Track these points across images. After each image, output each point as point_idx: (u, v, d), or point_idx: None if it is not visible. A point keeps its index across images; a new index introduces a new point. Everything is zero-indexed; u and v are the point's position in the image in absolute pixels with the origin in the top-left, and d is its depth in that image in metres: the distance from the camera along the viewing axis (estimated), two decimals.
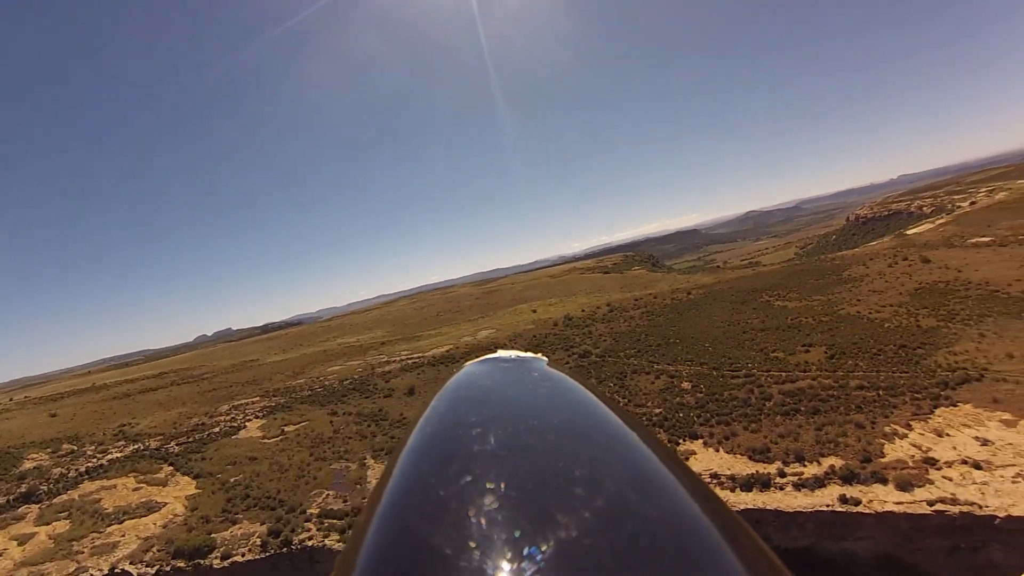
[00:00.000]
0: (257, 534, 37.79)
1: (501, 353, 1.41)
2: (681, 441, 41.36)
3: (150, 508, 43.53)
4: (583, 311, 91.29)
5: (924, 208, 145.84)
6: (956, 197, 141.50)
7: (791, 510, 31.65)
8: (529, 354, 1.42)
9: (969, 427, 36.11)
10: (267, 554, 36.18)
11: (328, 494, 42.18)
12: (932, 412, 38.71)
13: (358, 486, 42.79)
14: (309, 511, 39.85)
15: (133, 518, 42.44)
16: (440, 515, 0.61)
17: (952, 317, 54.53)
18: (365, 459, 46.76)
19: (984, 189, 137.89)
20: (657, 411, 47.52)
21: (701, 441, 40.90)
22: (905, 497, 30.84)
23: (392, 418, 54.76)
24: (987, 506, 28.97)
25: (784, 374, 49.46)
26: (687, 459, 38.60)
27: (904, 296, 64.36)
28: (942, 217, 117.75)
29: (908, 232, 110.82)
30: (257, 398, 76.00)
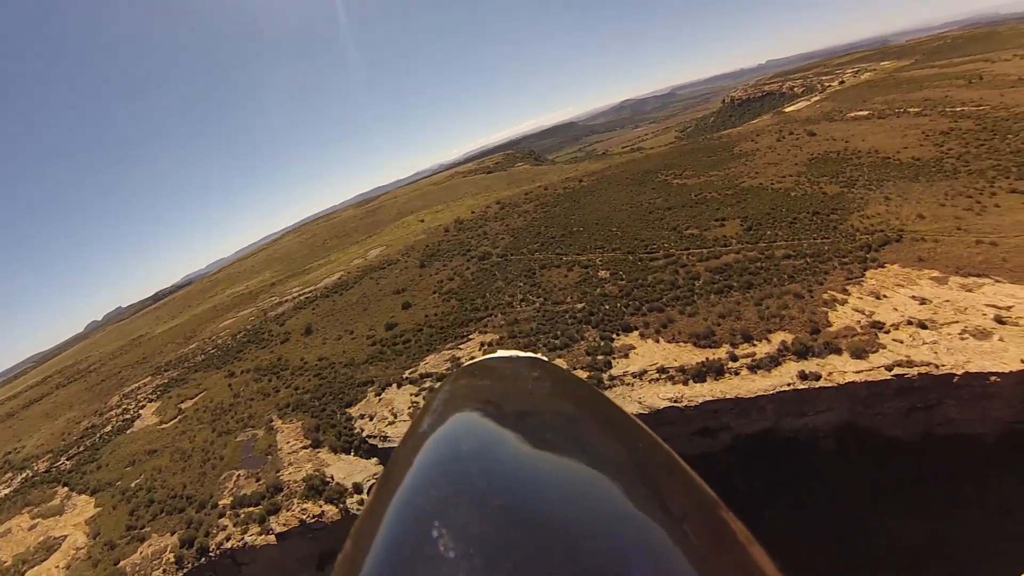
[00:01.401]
0: (169, 548, 31.90)
1: (501, 353, 1.45)
2: (616, 336, 38.32)
3: (50, 548, 36.78)
4: (473, 213, 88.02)
5: (795, 89, 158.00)
6: (824, 78, 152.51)
7: (752, 395, 29.99)
8: (528, 354, 1.45)
9: (903, 287, 36.72)
10: (185, 571, 30.30)
11: (238, 475, 36.52)
12: (863, 275, 39.09)
13: (269, 456, 37.20)
14: (221, 503, 34.24)
15: (33, 566, 35.35)
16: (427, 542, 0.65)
17: (853, 183, 57.08)
18: (272, 421, 41.81)
19: (850, 71, 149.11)
20: (579, 306, 44.11)
21: (637, 333, 38.10)
22: (862, 365, 30.33)
23: (293, 365, 50.41)
24: (943, 365, 29.18)
25: (705, 250, 48.53)
26: (627, 355, 35.68)
27: (800, 167, 66.81)
28: (815, 95, 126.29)
29: (786, 110, 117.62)
30: (148, 378, 71.01)
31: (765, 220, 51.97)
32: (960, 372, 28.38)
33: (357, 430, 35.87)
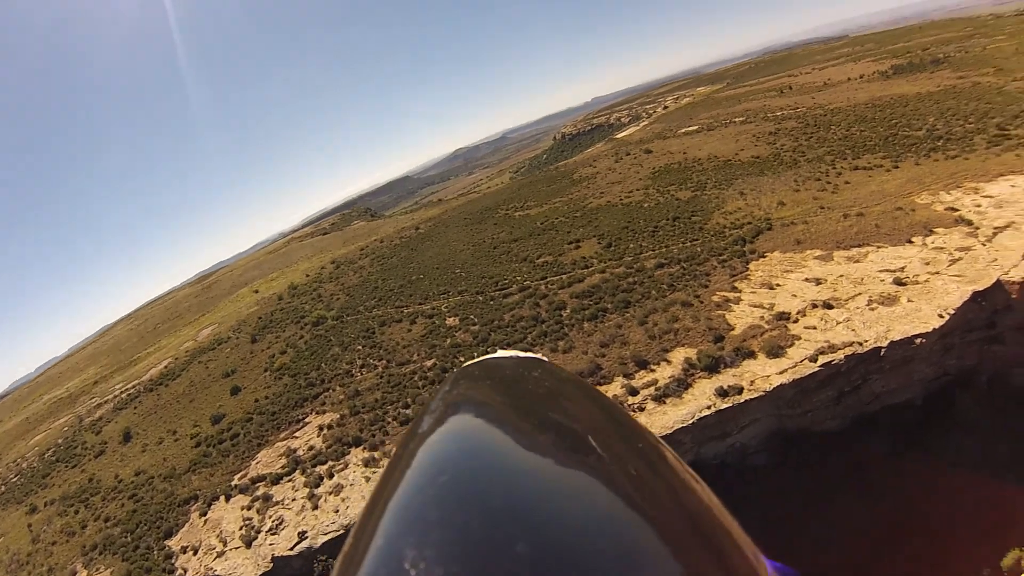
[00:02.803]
0: None
1: (501, 353, 1.52)
2: None
3: None
4: (307, 276, 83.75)
5: (623, 119, 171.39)
6: (649, 106, 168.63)
7: (669, 430, 24.70)
8: (529, 354, 1.52)
9: (792, 272, 34.83)
10: None
11: None
12: (747, 269, 37.09)
13: None
14: None
15: None
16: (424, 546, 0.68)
17: (703, 186, 58.65)
18: (75, 571, 34.17)
19: (670, 98, 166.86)
20: (429, 363, 37.86)
21: None
22: (784, 363, 26.68)
23: (106, 487, 43.28)
24: (866, 340, 26.88)
25: (565, 276, 45.09)
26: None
27: (645, 180, 68.70)
28: (643, 121, 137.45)
29: (618, 136, 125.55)
30: None
31: (624, 234, 50.51)
32: (885, 343, 26.26)
33: (179, 572, 29.52)
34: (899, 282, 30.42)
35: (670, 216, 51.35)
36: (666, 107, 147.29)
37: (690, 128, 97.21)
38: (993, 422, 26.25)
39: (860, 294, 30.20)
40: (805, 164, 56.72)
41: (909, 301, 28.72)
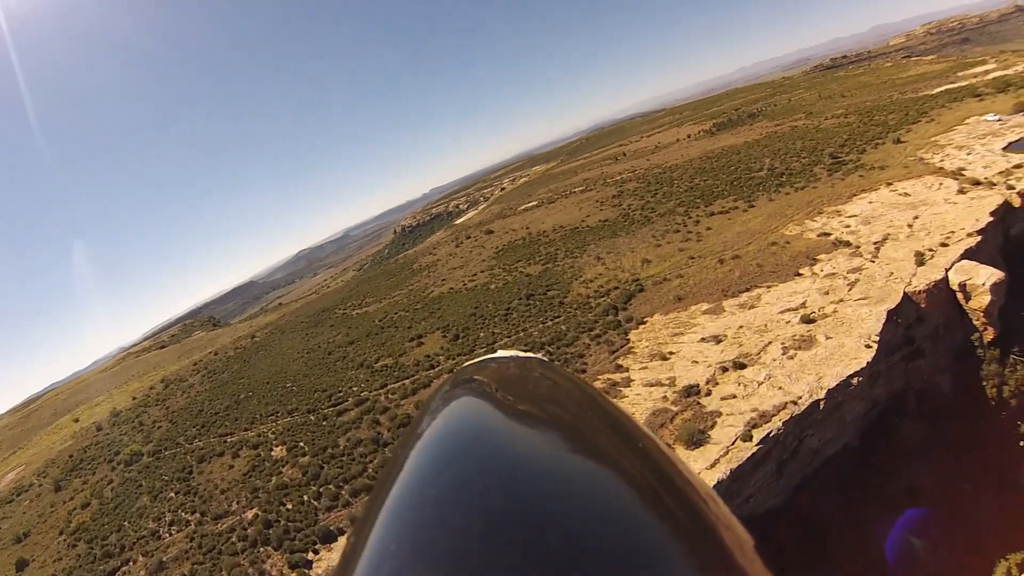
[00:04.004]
0: None
1: (501, 353, 1.57)
2: (314, 553, 26.36)
3: None
4: (134, 399, 77.78)
5: (461, 205, 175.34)
6: (486, 190, 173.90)
7: None
8: (529, 354, 1.57)
9: (683, 333, 30.54)
10: None
11: None
12: (628, 340, 32.55)
13: None
14: None
15: None
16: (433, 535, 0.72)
17: (554, 258, 56.68)
18: None
19: (507, 180, 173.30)
20: (250, 515, 31.10)
21: (344, 539, 23.47)
22: (711, 452, 21.36)
23: None
24: (799, 396, 23.74)
25: (408, 381, 40.36)
26: None
27: (490, 261, 66.59)
28: (482, 205, 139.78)
29: (457, 222, 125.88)
30: None
31: (472, 322, 46.64)
32: (823, 394, 23.55)
33: None
34: (807, 320, 27.83)
35: (523, 294, 47.85)
36: (503, 188, 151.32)
37: (530, 204, 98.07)
38: (930, 437, 25.98)
39: (771, 343, 26.61)
40: (658, 219, 56.63)
41: (827, 338, 26.20)
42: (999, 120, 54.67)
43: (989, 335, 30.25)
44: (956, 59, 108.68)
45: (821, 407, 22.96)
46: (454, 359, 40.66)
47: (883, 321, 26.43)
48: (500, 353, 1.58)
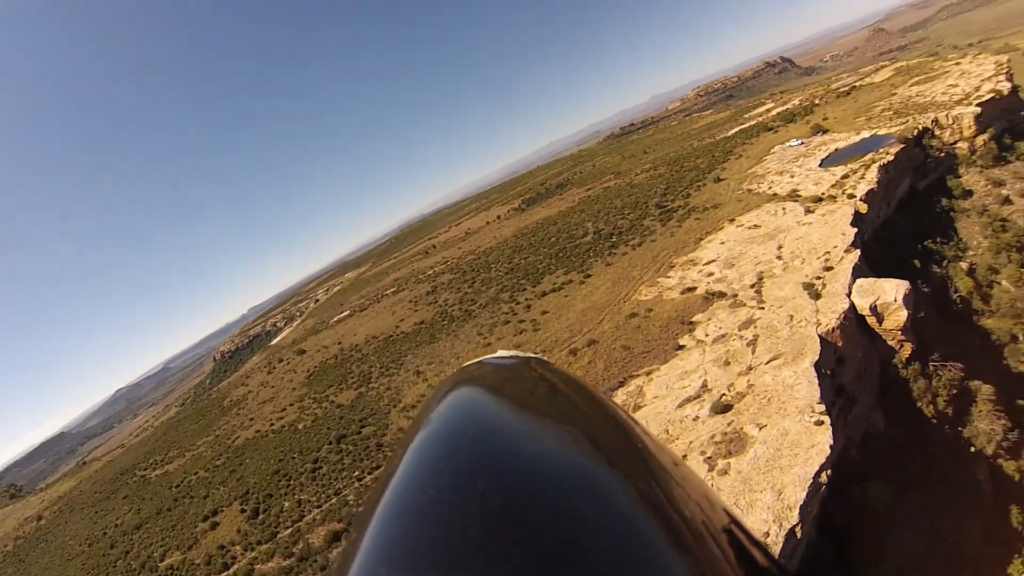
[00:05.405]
0: None
1: (501, 353, 1.55)
2: None
3: None
4: None
5: (278, 323, 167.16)
6: (301, 304, 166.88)
7: None
8: (529, 354, 1.55)
9: None
10: None
11: None
12: None
13: None
14: None
15: None
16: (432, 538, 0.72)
17: (368, 378, 49.94)
18: None
19: (321, 291, 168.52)
20: None
21: None
22: None
23: None
24: (765, 522, 14.79)
25: None
26: None
27: (300, 389, 60.79)
28: (297, 320, 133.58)
29: (273, 343, 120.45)
30: None
31: (276, 486, 38.16)
32: (794, 516, 16.18)
33: None
34: (721, 408, 20.11)
35: (333, 436, 39.39)
36: (318, 300, 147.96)
37: (343, 314, 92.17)
38: (894, 488, 22.59)
39: (686, 455, 17.61)
40: (481, 311, 50.24)
41: (760, 427, 18.68)
42: (802, 143, 55.80)
43: (906, 351, 27.06)
44: (737, 107, 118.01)
45: (799, 534, 15.69)
46: (254, 549, 32.91)
47: (816, 380, 19.85)
48: (500, 352, 1.51)
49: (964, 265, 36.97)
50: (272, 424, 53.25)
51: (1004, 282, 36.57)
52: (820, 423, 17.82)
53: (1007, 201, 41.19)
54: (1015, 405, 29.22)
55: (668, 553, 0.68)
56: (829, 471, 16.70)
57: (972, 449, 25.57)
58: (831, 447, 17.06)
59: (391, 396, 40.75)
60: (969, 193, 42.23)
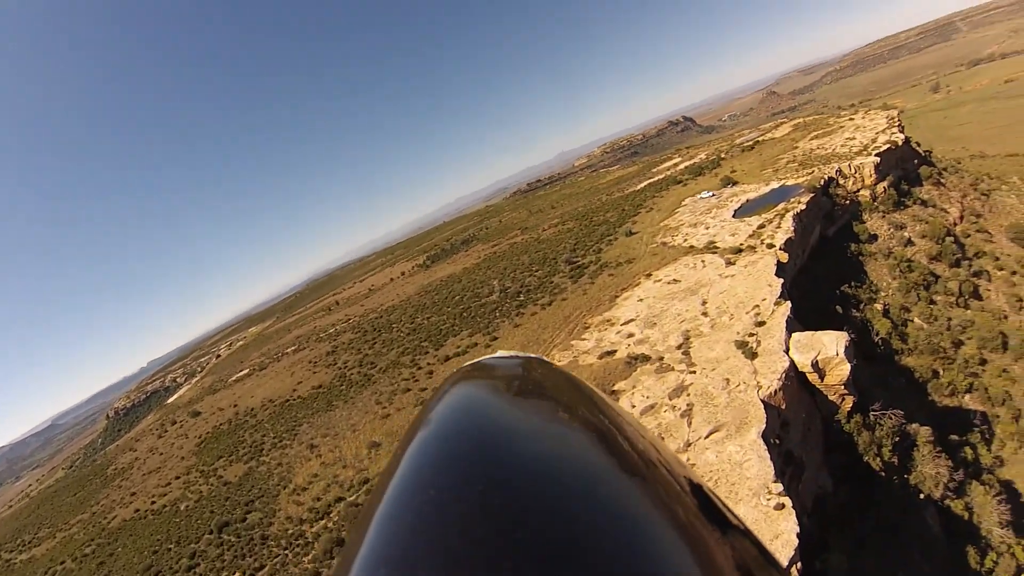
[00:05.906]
0: None
1: (501, 353, 1.57)
2: None
3: None
4: None
5: (178, 378, 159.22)
6: (203, 359, 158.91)
7: None
8: (530, 354, 1.56)
9: None
10: None
11: None
12: None
13: None
14: None
15: None
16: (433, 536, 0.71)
17: (259, 450, 45.73)
18: None
19: (224, 345, 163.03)
20: None
21: None
22: None
23: None
24: None
25: None
26: None
27: (189, 459, 56.79)
28: (197, 376, 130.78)
29: (169, 401, 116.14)
30: None
31: None
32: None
33: None
34: None
35: (215, 524, 34.85)
36: (219, 355, 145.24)
37: (241, 373, 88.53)
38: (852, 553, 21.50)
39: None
40: (381, 376, 47.54)
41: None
42: (713, 195, 56.15)
43: (848, 404, 26.46)
44: (644, 162, 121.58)
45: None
46: None
47: (767, 455, 17.77)
48: (500, 352, 1.54)
49: (879, 307, 38.20)
50: (153, 502, 49.15)
51: (917, 319, 38.18)
52: (780, 507, 15.72)
53: (909, 243, 43.52)
54: (949, 441, 30.33)
55: (668, 553, 0.69)
56: (799, 564, 14.26)
57: (921, 496, 25.59)
58: (797, 535, 14.65)
59: (281, 474, 36.49)
60: (875, 237, 44.17)
